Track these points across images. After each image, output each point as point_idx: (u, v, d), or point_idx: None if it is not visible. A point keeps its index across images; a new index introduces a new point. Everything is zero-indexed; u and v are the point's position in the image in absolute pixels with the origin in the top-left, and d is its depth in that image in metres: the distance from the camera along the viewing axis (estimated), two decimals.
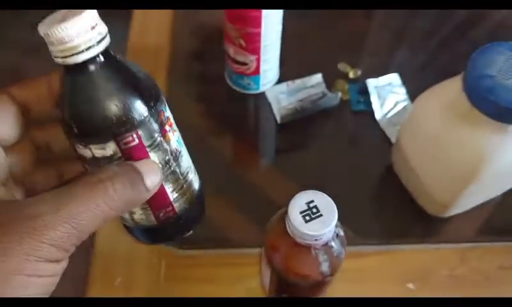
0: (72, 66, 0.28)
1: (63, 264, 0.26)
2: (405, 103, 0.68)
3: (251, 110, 0.71)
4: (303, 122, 0.67)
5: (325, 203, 0.38)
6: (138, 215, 0.35)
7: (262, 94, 0.70)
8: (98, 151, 0.30)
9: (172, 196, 0.35)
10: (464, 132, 0.48)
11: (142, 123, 0.30)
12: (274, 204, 0.60)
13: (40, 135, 0.32)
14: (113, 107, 0.29)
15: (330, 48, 0.77)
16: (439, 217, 0.59)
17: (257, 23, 0.57)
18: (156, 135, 0.32)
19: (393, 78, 0.70)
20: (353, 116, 0.68)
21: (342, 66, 0.72)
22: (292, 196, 0.38)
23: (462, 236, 0.59)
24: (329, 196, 0.38)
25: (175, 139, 0.34)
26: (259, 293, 0.53)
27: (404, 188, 0.61)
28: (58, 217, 0.24)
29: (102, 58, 0.29)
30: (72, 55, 0.27)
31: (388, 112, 0.67)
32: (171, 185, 0.34)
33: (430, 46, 0.78)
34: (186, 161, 0.36)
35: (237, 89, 0.70)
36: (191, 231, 0.39)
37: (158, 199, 0.34)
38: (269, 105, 0.69)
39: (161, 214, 0.35)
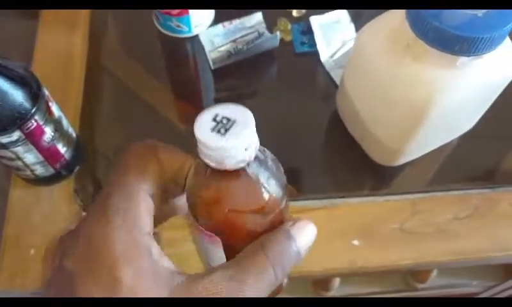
0: None
1: None
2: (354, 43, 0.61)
3: (183, 55, 0.64)
4: (241, 66, 0.60)
5: (232, 110, 0.29)
6: (39, 170, 0.48)
7: (197, 37, 0.62)
8: (4, 139, 0.41)
9: (63, 150, 0.48)
10: (410, 68, 0.42)
11: (36, 111, 0.42)
12: None
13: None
14: (14, 106, 0.40)
15: None
16: (388, 167, 0.53)
17: None
18: (46, 114, 0.43)
19: (341, 14, 0.63)
20: (296, 58, 0.61)
21: None
22: None
23: (413, 186, 0.54)
24: (271, 146, 0.31)
25: (55, 108, 0.46)
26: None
27: (351, 136, 0.55)
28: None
29: None
30: None
31: (335, 53, 0.60)
32: (61, 143, 0.47)
33: None
34: (65, 121, 0.48)
35: (167, 32, 0.62)
36: (78, 167, 0.52)
37: (54, 157, 0.48)
38: (203, 49, 0.61)
39: (58, 165, 0.49)
